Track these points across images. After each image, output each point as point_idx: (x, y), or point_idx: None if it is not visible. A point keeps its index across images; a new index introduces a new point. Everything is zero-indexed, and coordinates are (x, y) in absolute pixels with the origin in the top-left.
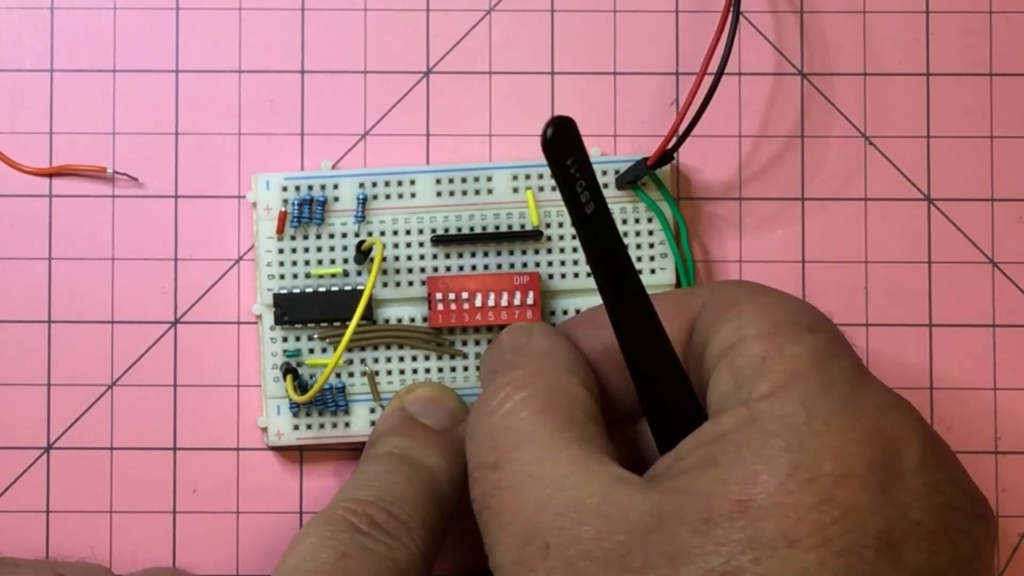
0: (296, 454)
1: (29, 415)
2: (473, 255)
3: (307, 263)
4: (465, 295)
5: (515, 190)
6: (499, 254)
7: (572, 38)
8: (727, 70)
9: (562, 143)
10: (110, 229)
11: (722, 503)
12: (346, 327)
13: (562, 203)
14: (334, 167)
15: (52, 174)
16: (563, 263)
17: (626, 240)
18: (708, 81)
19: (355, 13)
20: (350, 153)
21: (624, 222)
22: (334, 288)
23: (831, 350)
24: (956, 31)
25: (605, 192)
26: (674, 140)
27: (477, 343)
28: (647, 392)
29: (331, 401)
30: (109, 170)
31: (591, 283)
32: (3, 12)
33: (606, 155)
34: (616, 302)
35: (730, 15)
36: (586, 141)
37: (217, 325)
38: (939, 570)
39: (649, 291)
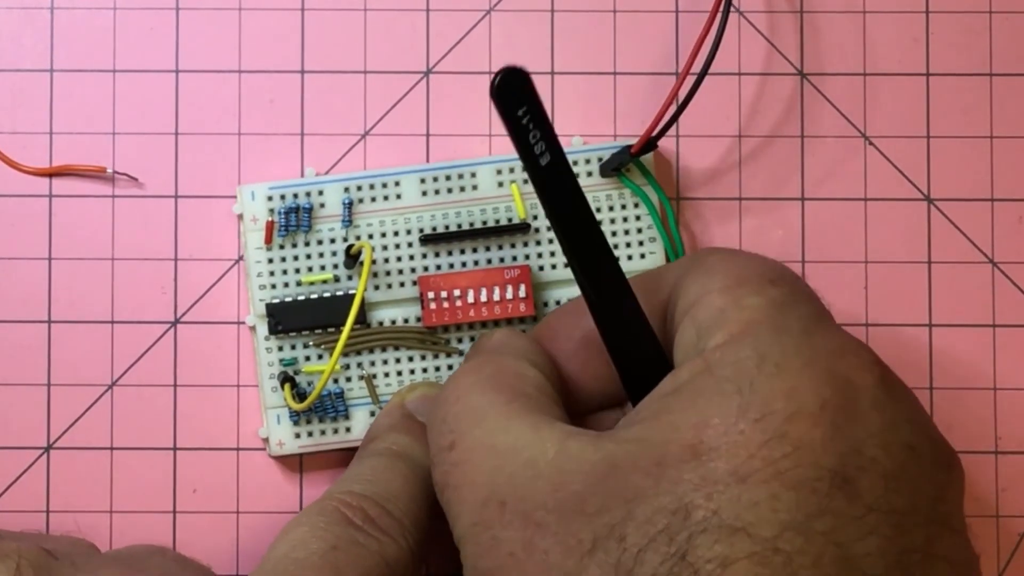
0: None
1: (29, 415)
2: (462, 252)
3: (297, 271)
4: (457, 292)
5: (500, 184)
6: (488, 249)
7: (572, 38)
8: (727, 70)
9: (512, 92)
10: (110, 229)
11: (674, 447)
12: (340, 332)
13: None
14: (333, 168)
15: (52, 174)
16: (552, 254)
17: (613, 227)
18: (700, 71)
19: (355, 13)
20: (350, 153)
21: (611, 208)
22: (326, 294)
23: (790, 299)
24: (956, 31)
25: (590, 180)
26: (659, 128)
27: (472, 340)
28: (619, 354)
29: (330, 407)
30: (109, 170)
31: None
32: (3, 12)
33: (588, 143)
34: (574, 253)
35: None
36: (585, 140)
37: (217, 325)
38: (898, 508)
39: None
